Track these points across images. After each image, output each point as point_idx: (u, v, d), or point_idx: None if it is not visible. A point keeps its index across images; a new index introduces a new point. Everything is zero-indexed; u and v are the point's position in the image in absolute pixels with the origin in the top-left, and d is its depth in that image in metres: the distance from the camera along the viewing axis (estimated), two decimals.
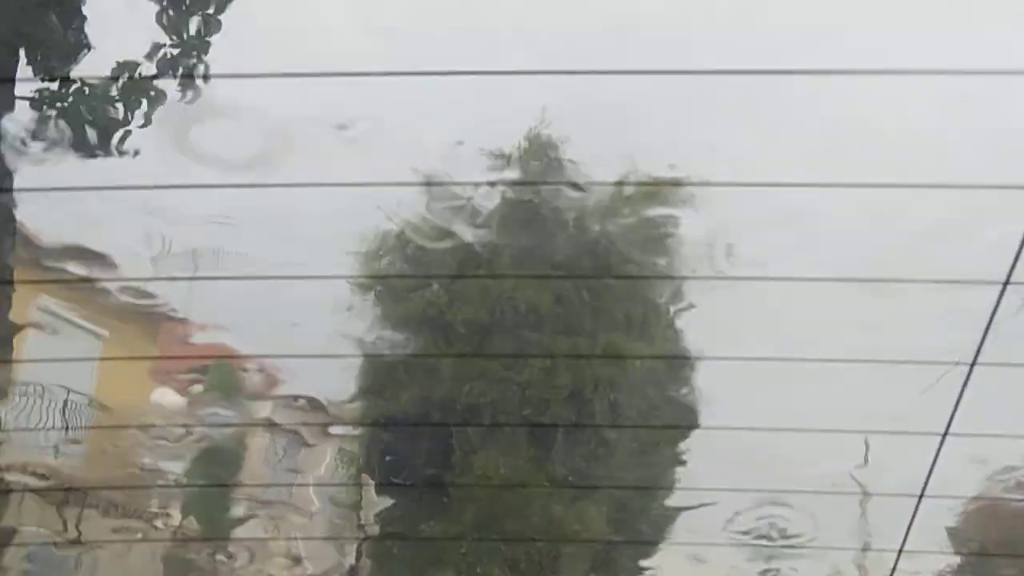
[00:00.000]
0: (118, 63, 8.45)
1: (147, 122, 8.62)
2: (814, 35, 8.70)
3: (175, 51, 8.54)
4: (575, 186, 14.29)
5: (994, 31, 7.91)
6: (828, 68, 7.95)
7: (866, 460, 13.32)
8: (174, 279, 12.32)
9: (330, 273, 12.58)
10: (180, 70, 8.54)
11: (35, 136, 8.38)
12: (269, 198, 9.65)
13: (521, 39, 9.37)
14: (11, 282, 8.73)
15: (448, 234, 14.09)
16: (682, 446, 14.83)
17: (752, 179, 9.01)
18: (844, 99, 9.16)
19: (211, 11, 8.69)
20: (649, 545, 14.91)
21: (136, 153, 8.69)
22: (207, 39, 8.62)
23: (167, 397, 16.07)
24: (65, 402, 13.73)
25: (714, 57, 8.53)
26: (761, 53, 8.34)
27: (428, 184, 12.92)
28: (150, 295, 15.69)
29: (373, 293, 14.87)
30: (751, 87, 8.41)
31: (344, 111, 9.79)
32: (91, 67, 8.61)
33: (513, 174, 14.59)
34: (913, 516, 10.52)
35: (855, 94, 8.97)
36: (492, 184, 14.32)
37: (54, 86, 8.35)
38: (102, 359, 14.41)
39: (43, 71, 8.27)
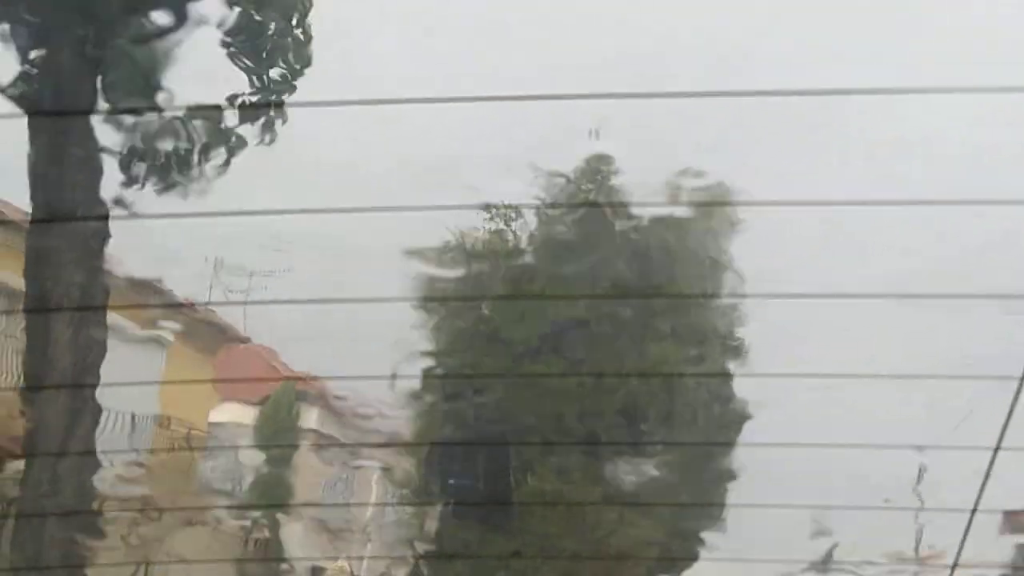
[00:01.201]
0: (199, 107, 8.81)
1: (226, 164, 9.00)
2: (867, 54, 8.79)
3: (254, 99, 8.88)
4: (626, 207, 14.40)
5: None
6: (880, 87, 8.04)
7: (920, 475, 13.32)
8: (248, 303, 12.60)
9: (389, 292, 12.74)
10: (261, 118, 8.87)
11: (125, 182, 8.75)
12: (331, 222, 9.85)
13: (572, 62, 9.54)
14: (106, 307, 9.05)
15: (502, 252, 14.25)
16: (734, 459, 14.84)
17: (805, 197, 9.10)
18: (896, 117, 9.24)
19: (292, 59, 8.99)
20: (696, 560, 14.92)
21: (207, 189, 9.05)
22: (293, 83, 8.94)
23: (229, 412, 16.36)
24: (133, 418, 14.04)
25: (764, 77, 8.63)
26: (813, 73, 8.44)
27: (483, 207, 13.11)
28: (213, 316, 16.01)
29: (429, 309, 14.98)
30: (803, 106, 8.51)
31: (404, 136, 9.99)
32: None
33: (566, 195, 14.70)
34: (966, 531, 10.51)
35: (907, 112, 9.05)
36: (544, 204, 14.47)
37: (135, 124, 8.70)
38: (165, 382, 14.68)
39: (121, 111, 8.62)
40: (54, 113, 8.41)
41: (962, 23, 9.13)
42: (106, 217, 8.49)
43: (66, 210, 8.39)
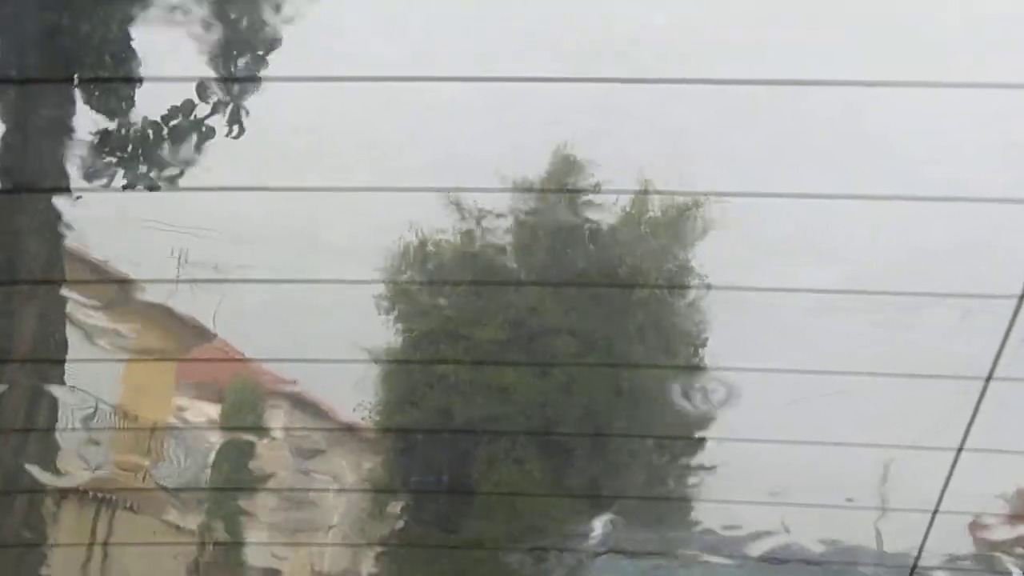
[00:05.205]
0: (173, 107, 8.75)
1: (196, 154, 8.94)
2: (831, 48, 8.79)
3: (223, 91, 8.82)
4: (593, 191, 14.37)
5: (1012, 45, 7.99)
6: (845, 80, 8.04)
7: (884, 475, 13.31)
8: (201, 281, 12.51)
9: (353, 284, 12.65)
10: (229, 109, 8.82)
11: (91, 174, 8.67)
12: (295, 209, 9.76)
13: (542, 49, 9.50)
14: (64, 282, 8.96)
15: (467, 246, 14.21)
16: (698, 458, 14.85)
17: (769, 190, 9.10)
18: (861, 111, 9.25)
19: (260, 52, 8.95)
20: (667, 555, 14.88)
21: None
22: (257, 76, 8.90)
23: (191, 406, 16.24)
24: (95, 409, 13.92)
25: (732, 68, 8.63)
26: (778, 65, 8.45)
27: (448, 191, 13.04)
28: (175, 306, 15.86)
29: (396, 310, 14.95)
30: (768, 98, 8.50)
31: (368, 117, 9.92)
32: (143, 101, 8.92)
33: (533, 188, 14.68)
34: (927, 532, 10.51)
35: (873, 106, 9.06)
36: (510, 189, 14.44)
37: (112, 126, 8.62)
38: (130, 359, 14.54)
39: (99, 107, 8.55)
40: (23, 81, 8.31)
41: (930, 18, 9.16)
42: (68, 190, 8.41)
43: (30, 182, 8.32)
